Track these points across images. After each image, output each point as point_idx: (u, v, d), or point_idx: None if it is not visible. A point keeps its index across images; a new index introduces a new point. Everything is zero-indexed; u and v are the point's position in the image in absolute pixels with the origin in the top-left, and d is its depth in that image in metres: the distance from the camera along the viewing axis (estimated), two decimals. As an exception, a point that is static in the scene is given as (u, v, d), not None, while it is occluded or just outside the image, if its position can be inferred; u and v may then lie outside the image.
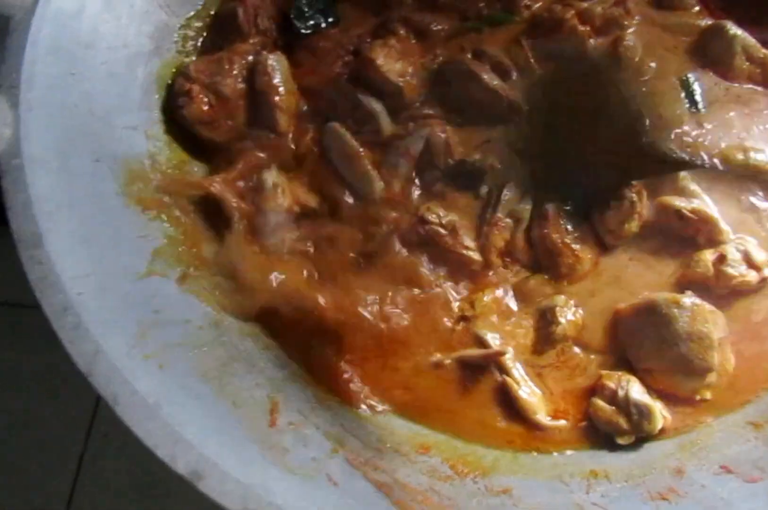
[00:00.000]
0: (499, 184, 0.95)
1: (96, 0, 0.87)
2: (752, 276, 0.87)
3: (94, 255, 0.74)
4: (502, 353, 0.85)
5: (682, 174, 0.93)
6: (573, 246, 0.91)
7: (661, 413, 0.82)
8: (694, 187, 0.92)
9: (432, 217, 0.91)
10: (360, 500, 0.68)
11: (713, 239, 0.90)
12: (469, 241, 0.91)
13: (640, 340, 0.86)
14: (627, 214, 0.90)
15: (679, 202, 0.90)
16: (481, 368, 0.86)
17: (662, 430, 0.82)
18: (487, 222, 0.92)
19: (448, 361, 0.87)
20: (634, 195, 0.90)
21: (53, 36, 0.81)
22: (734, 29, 0.99)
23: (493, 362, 0.86)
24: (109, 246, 0.77)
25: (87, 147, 0.81)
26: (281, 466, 0.67)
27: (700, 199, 0.92)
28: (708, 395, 0.84)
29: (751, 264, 0.87)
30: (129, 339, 0.69)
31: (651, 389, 0.85)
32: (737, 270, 0.87)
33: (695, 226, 0.90)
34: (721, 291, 0.88)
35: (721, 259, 0.87)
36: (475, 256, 0.91)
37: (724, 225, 0.90)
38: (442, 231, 0.90)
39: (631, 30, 1.04)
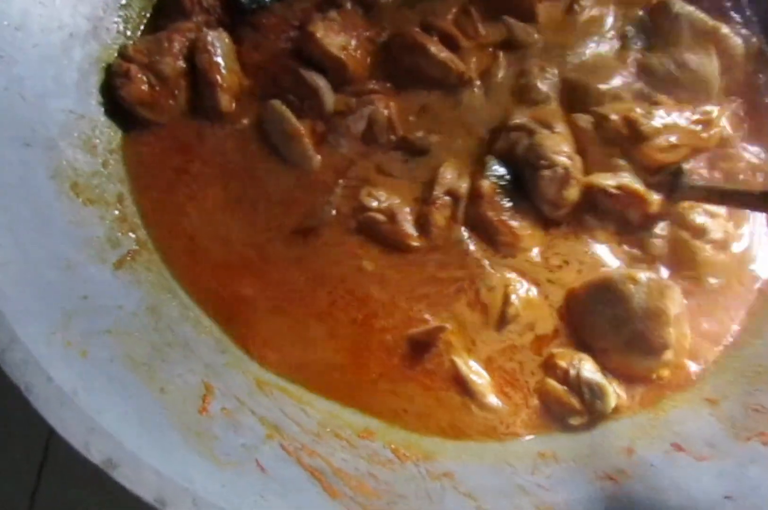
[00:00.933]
0: (441, 159, 0.92)
1: (27, -20, 0.84)
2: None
3: (20, 243, 0.72)
4: (443, 328, 0.83)
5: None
6: (510, 223, 0.88)
7: (615, 392, 0.80)
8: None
9: (372, 203, 0.88)
10: (288, 486, 0.66)
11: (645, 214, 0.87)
12: (408, 226, 0.89)
13: (595, 318, 0.84)
14: (563, 181, 0.87)
15: (604, 180, 0.87)
16: (427, 348, 0.83)
17: (617, 410, 0.80)
18: (427, 201, 0.89)
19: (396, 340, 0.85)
20: (566, 159, 0.87)
21: (-22, 18, 0.79)
22: (678, 5, 0.95)
23: (439, 342, 0.83)
24: (37, 233, 0.75)
25: (15, 132, 0.79)
26: (206, 454, 0.65)
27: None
28: (666, 373, 0.82)
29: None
30: (50, 326, 0.68)
31: (606, 369, 0.83)
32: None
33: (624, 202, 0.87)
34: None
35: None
36: (414, 242, 0.89)
37: (654, 196, 0.87)
38: (380, 217, 0.88)
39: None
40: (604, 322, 0.83)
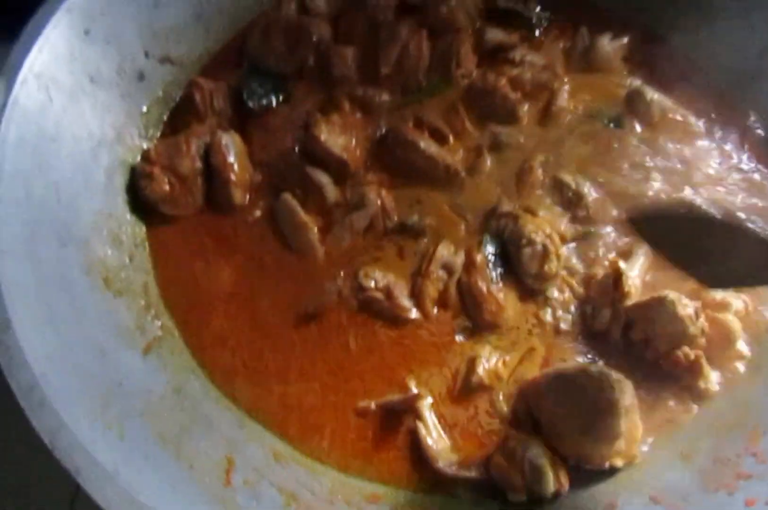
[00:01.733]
0: (435, 240, 1.02)
1: (60, 96, 0.95)
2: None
3: (60, 335, 0.81)
4: (418, 397, 0.91)
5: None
6: (497, 295, 0.98)
7: (555, 479, 0.85)
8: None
9: (369, 283, 0.98)
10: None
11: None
12: (405, 301, 0.98)
13: (551, 406, 0.91)
14: (544, 257, 0.97)
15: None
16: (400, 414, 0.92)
17: (557, 494, 0.86)
18: (422, 274, 0.99)
19: (372, 407, 0.93)
20: (544, 238, 0.98)
21: (20, 134, 0.88)
22: (651, 93, 1.08)
23: (410, 407, 0.92)
24: (74, 326, 0.84)
25: (54, 233, 0.89)
26: (233, 523, 0.73)
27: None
28: (619, 463, 0.87)
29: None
30: (91, 412, 0.76)
31: (558, 454, 0.88)
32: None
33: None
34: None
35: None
36: (411, 315, 0.98)
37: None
38: (379, 296, 0.98)
39: (564, 90, 1.13)
40: (560, 410, 0.89)
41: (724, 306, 0.94)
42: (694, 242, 0.79)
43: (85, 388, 0.79)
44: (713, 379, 0.94)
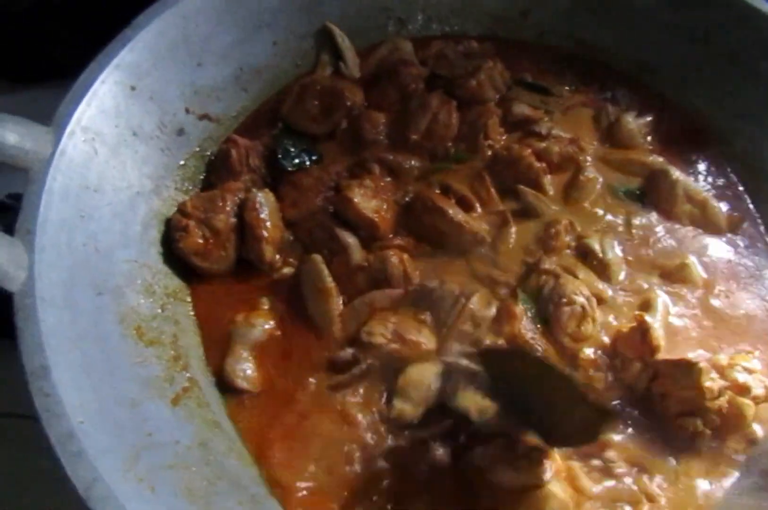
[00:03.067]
0: (466, 294, 1.03)
1: (104, 149, 0.98)
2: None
3: (94, 384, 0.82)
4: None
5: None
6: (539, 343, 1.00)
7: None
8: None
9: (378, 339, 0.98)
10: None
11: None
12: (417, 336, 0.99)
13: None
14: (581, 318, 1.00)
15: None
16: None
17: None
18: (448, 326, 1.00)
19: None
20: (584, 300, 1.01)
21: (65, 184, 0.90)
22: (677, 174, 1.12)
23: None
24: (107, 374, 0.85)
25: (90, 282, 0.91)
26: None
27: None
28: None
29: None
30: (124, 463, 0.77)
31: None
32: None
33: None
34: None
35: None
36: (431, 345, 0.99)
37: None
38: (395, 346, 0.98)
39: (588, 163, 1.17)
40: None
41: (746, 389, 0.95)
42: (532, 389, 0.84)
43: (118, 438, 0.79)
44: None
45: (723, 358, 0.98)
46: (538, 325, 1.02)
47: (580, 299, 1.01)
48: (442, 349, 0.99)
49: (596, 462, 0.93)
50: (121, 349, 0.90)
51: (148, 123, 1.06)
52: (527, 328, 1.00)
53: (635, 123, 1.21)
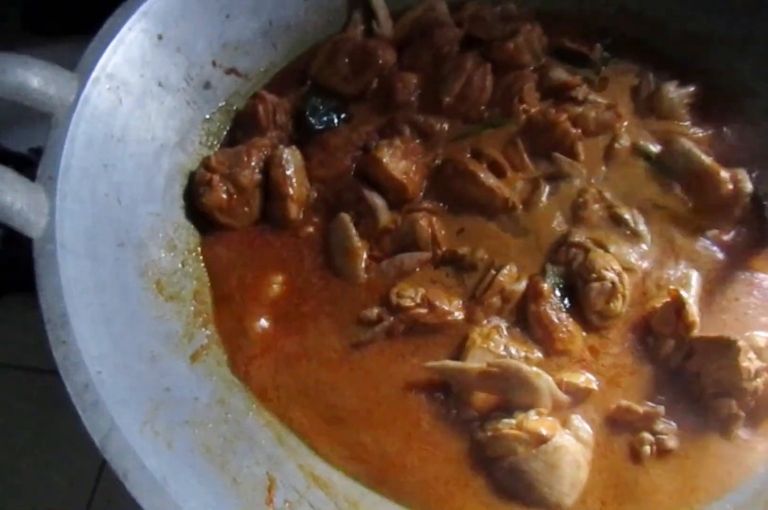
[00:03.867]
0: (496, 265, 1.01)
1: (129, 98, 0.95)
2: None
3: (113, 336, 0.80)
4: None
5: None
6: (566, 322, 0.97)
7: None
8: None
9: (407, 302, 0.96)
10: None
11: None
12: (446, 305, 0.97)
13: None
14: (611, 294, 0.96)
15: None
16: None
17: None
18: (476, 299, 0.98)
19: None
20: (614, 275, 0.97)
21: (89, 132, 0.88)
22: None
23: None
24: (127, 327, 0.83)
25: (112, 233, 0.89)
26: (275, 542, 0.71)
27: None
28: None
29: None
30: (142, 416, 0.75)
31: None
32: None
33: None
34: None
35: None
36: (460, 316, 0.97)
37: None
38: (423, 311, 0.96)
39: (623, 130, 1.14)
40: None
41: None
42: None
43: (136, 391, 0.78)
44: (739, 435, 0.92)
45: (761, 338, 0.94)
46: (565, 303, 0.99)
47: (610, 275, 0.97)
48: (471, 321, 0.97)
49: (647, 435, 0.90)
50: (141, 302, 0.89)
51: (175, 74, 1.04)
52: (553, 307, 0.97)
53: (676, 93, 1.17)
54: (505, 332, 0.96)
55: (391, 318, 0.96)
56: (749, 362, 0.89)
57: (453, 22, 1.24)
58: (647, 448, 0.89)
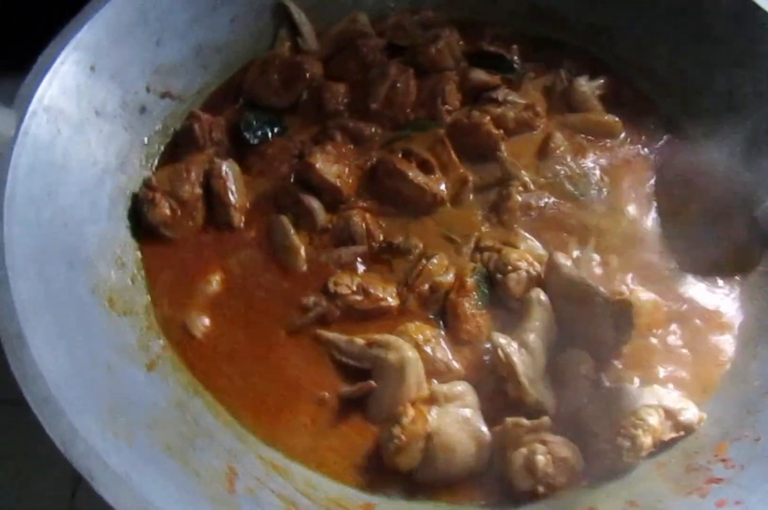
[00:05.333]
0: (428, 254, 1.08)
1: (68, 127, 1.00)
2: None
3: (70, 350, 0.84)
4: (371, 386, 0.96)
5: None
6: (478, 317, 1.03)
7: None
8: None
9: (343, 289, 1.03)
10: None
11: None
12: (381, 292, 1.04)
13: None
14: (528, 282, 1.04)
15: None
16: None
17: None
18: (407, 285, 1.05)
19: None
20: (527, 265, 1.05)
21: (31, 162, 0.92)
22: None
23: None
24: (82, 342, 0.87)
25: (61, 255, 0.93)
26: (239, 527, 0.76)
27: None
28: None
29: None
30: (102, 422, 0.79)
31: None
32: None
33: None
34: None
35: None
36: (393, 302, 1.04)
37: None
38: (358, 297, 1.03)
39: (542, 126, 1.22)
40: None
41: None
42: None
43: (95, 400, 0.82)
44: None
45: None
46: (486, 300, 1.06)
47: (524, 264, 1.05)
48: (403, 308, 1.04)
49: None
50: (95, 318, 0.93)
51: (110, 102, 1.08)
52: (471, 301, 1.04)
53: (588, 86, 1.25)
54: (436, 332, 1.03)
55: (324, 303, 1.02)
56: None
57: (375, 32, 1.31)
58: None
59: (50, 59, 0.99)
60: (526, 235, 1.12)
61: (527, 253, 1.08)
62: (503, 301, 1.05)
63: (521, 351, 0.94)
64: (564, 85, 1.27)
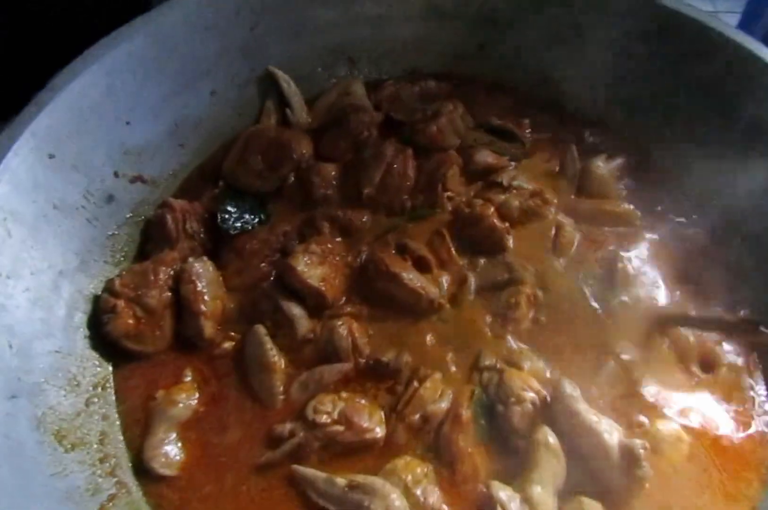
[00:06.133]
0: (420, 374, 0.95)
1: (20, 229, 0.89)
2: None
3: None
4: None
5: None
6: (475, 456, 0.89)
7: None
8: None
9: (323, 418, 0.89)
10: None
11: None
12: (366, 421, 0.90)
13: None
14: (533, 416, 0.90)
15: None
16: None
17: None
18: (396, 413, 0.92)
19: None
20: (533, 395, 0.91)
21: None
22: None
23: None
24: (18, 495, 0.76)
25: (2, 384, 0.82)
26: None
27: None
28: None
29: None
30: None
31: None
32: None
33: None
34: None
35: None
36: (380, 433, 0.90)
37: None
38: (338, 428, 0.89)
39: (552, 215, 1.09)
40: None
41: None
42: None
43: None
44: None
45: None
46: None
47: (529, 395, 0.91)
48: (392, 441, 0.91)
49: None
50: (36, 460, 0.82)
51: (72, 193, 0.98)
52: (467, 437, 0.90)
53: (606, 168, 1.11)
54: (427, 470, 0.88)
55: (302, 434, 0.89)
56: None
57: (371, 104, 1.20)
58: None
59: (2, 151, 0.88)
60: (531, 352, 0.98)
61: (532, 377, 0.94)
62: (504, 436, 0.91)
63: (524, 508, 0.81)
64: (577, 166, 1.13)
